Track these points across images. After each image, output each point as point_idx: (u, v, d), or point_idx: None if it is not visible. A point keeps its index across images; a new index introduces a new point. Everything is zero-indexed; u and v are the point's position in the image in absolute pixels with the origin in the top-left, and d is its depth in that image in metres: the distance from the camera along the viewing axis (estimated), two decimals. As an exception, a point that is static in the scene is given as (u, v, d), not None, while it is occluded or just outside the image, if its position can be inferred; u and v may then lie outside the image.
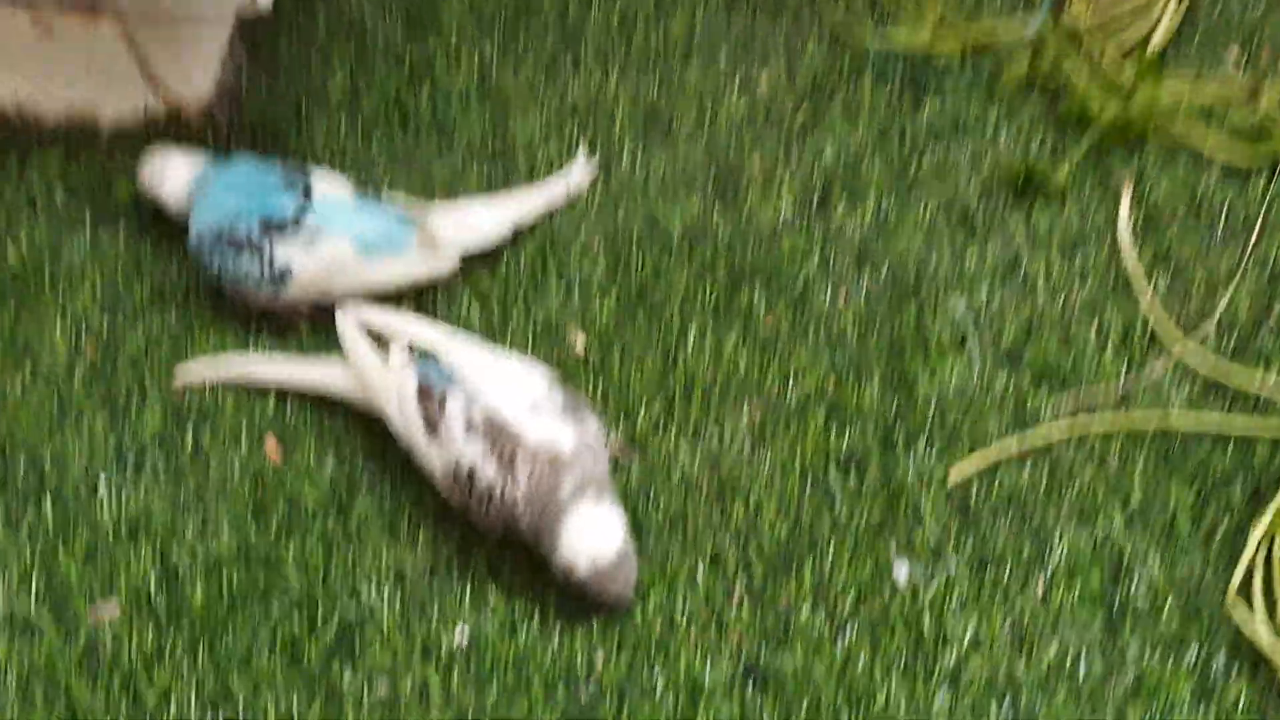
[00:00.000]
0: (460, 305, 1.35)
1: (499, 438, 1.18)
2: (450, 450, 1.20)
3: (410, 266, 1.35)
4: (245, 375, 1.33)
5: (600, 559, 1.16)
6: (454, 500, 1.23)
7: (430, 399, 1.22)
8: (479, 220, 1.37)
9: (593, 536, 1.16)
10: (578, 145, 1.42)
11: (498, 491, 1.18)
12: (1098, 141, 1.41)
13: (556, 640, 1.22)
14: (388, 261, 1.34)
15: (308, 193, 1.33)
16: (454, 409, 1.20)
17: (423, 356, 1.27)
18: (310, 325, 1.36)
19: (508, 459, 1.18)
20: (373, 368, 1.26)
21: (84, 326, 1.36)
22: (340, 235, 1.32)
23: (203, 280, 1.36)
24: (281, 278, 1.33)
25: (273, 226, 1.31)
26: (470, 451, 1.19)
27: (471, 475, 1.19)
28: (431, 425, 1.21)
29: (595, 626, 1.22)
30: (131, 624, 1.24)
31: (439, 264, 1.36)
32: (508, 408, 1.19)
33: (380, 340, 1.29)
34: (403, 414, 1.23)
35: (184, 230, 1.37)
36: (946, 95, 1.44)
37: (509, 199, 1.40)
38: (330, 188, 1.34)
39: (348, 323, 1.28)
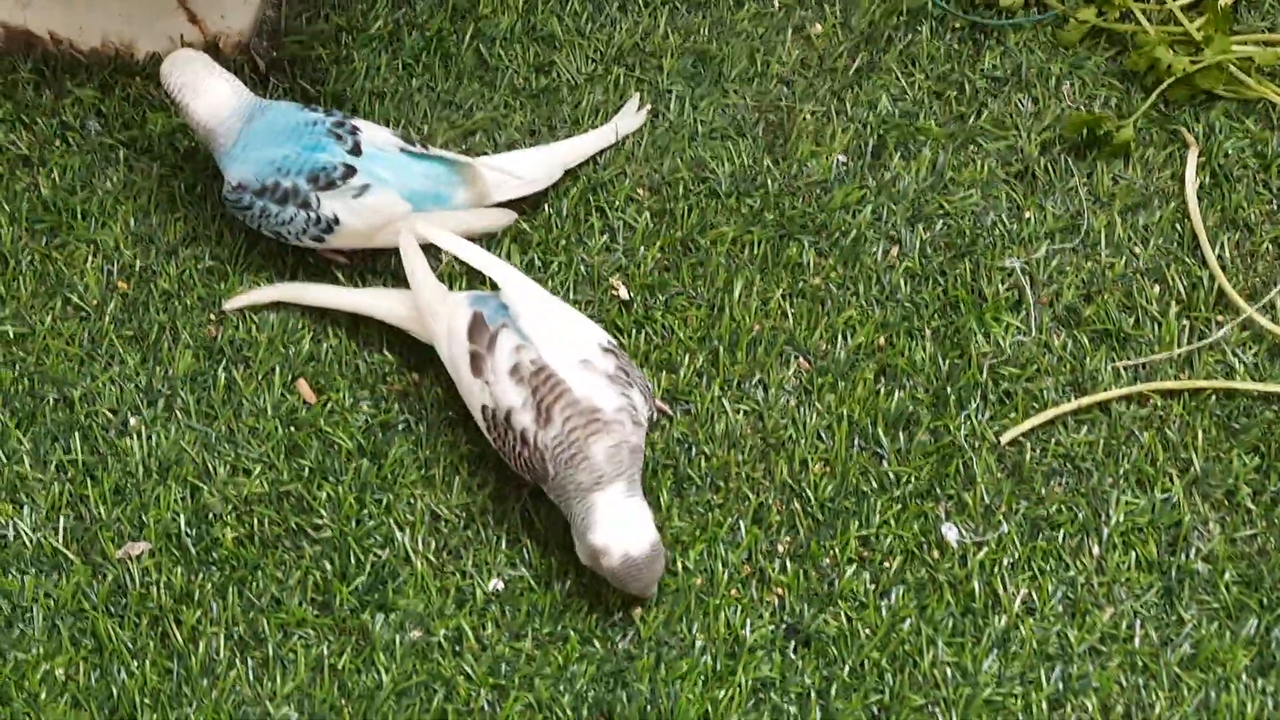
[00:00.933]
0: (501, 249, 1.32)
1: (541, 386, 1.15)
2: (491, 390, 1.17)
3: (457, 218, 1.32)
4: (299, 297, 1.30)
5: (633, 551, 1.12)
6: (488, 435, 1.20)
7: (482, 334, 1.19)
8: (527, 169, 1.34)
9: (627, 528, 1.13)
10: (625, 89, 1.39)
11: (531, 438, 1.15)
12: (1164, 97, 1.36)
13: (593, 592, 1.20)
14: (434, 214, 1.32)
15: (356, 146, 1.29)
16: (503, 349, 1.17)
17: (482, 290, 1.25)
18: (346, 269, 1.34)
19: (545, 409, 1.15)
20: (430, 291, 1.23)
21: (116, 262, 1.34)
22: (388, 189, 1.29)
23: (240, 224, 1.34)
24: (328, 228, 1.30)
25: (320, 180, 1.28)
26: (511, 395, 1.16)
27: (508, 418, 1.16)
28: (478, 362, 1.18)
29: (633, 580, 1.20)
30: (160, 563, 1.22)
31: (488, 217, 1.33)
32: (556, 359, 1.16)
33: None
34: (451, 344, 1.21)
35: (197, 150, 1.34)
36: (1008, 45, 1.39)
37: (557, 145, 1.37)
38: (377, 139, 1.31)
39: (411, 244, 1.25)
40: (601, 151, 1.37)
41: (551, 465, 1.15)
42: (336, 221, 1.29)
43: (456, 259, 1.28)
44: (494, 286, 1.25)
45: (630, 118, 1.39)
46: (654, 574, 1.14)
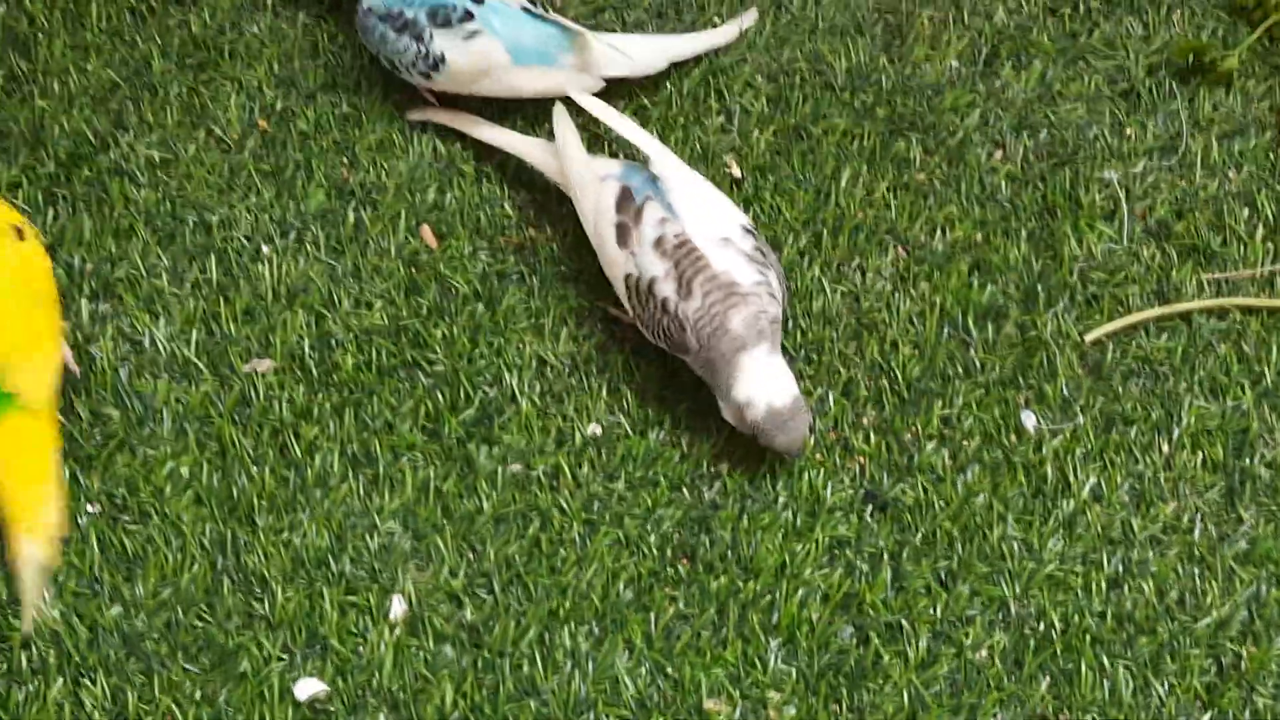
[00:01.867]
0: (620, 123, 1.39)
1: (683, 259, 1.21)
2: (635, 260, 1.23)
3: (557, 80, 1.38)
4: (468, 127, 1.37)
5: (776, 403, 1.18)
6: (628, 304, 1.27)
7: (629, 206, 1.25)
8: (637, 50, 1.41)
9: (770, 381, 1.19)
10: (752, -19, 1.45)
11: (672, 307, 1.21)
12: (1269, 33, 1.41)
13: (685, 444, 1.27)
14: (537, 71, 1.38)
15: None
16: (649, 221, 1.23)
17: (630, 163, 1.31)
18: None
19: (686, 281, 1.21)
20: (579, 162, 1.30)
21: (258, 101, 1.42)
22: (497, 38, 1.36)
23: (368, 54, 1.40)
24: (436, 65, 1.37)
25: (439, 16, 1.36)
26: (654, 266, 1.22)
27: (651, 287, 1.22)
28: (624, 232, 1.24)
29: (722, 439, 1.27)
30: (284, 381, 1.30)
31: (587, 82, 1.39)
32: (699, 234, 1.22)
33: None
34: (598, 215, 1.27)
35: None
36: (1124, -29, 1.45)
37: (673, 38, 1.43)
38: None
39: (563, 114, 1.31)
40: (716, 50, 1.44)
41: (694, 336, 1.21)
42: (443, 60, 1.37)
43: (609, 129, 1.34)
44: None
45: (747, 20, 1.45)
46: (799, 428, 1.19)
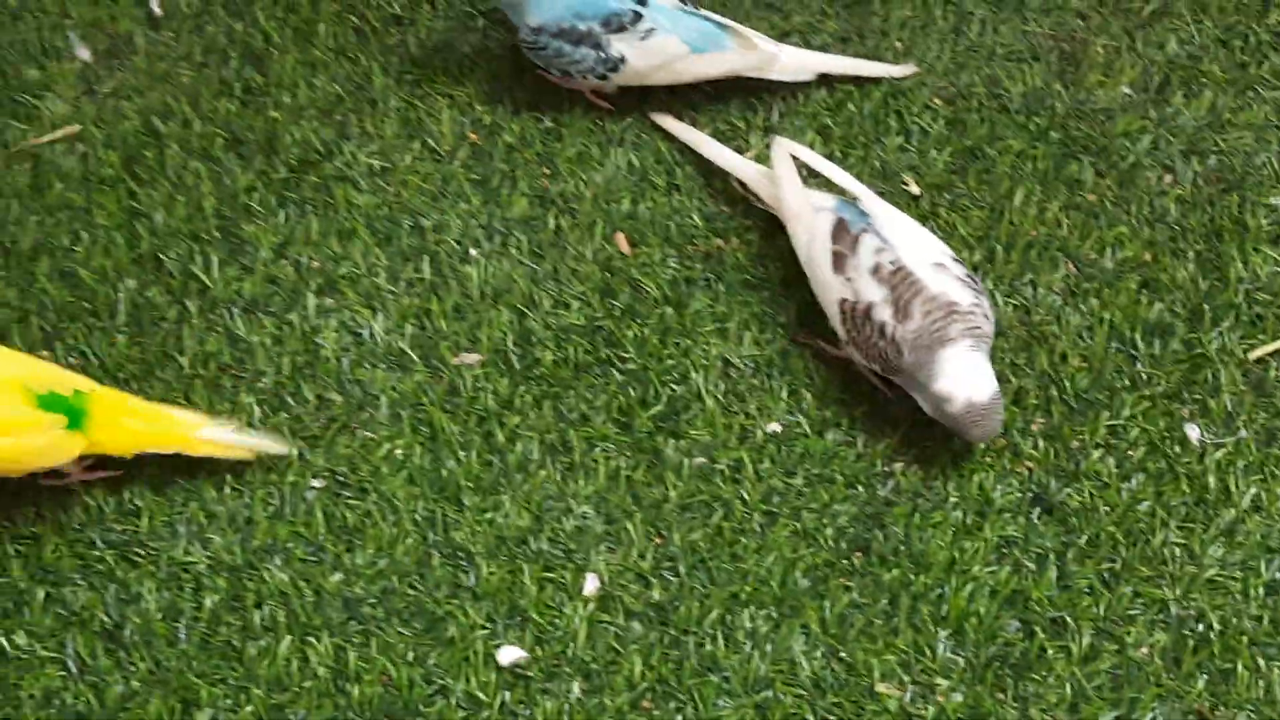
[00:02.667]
0: (805, 139, 1.47)
1: (900, 285, 1.29)
2: (852, 286, 1.31)
3: (730, 61, 1.49)
4: (695, 141, 1.48)
5: (976, 397, 1.26)
6: (841, 332, 1.34)
7: (844, 236, 1.33)
8: (790, 55, 1.50)
9: (972, 375, 1.26)
10: (931, 8, 1.52)
11: (890, 331, 1.29)
12: None
13: (861, 445, 1.35)
14: (711, 57, 1.49)
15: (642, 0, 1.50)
16: (865, 250, 1.32)
17: (843, 199, 1.39)
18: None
19: (904, 305, 1.29)
20: (798, 196, 1.39)
21: (469, 115, 1.53)
22: (671, 33, 1.48)
23: (537, 64, 1.50)
24: (614, 67, 1.48)
25: (613, 23, 1.47)
26: (871, 291, 1.30)
27: (869, 312, 1.30)
28: (840, 260, 1.33)
29: (896, 439, 1.34)
30: (489, 374, 1.41)
31: (756, 56, 1.49)
32: (914, 261, 1.30)
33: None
34: (812, 245, 1.35)
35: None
36: (1297, 4, 1.50)
37: (826, 57, 1.51)
38: None
39: (782, 150, 1.40)
40: (905, 60, 1.51)
41: (910, 353, 1.28)
42: (623, 60, 1.48)
43: (817, 172, 1.41)
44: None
45: (900, 71, 1.52)
46: (994, 423, 1.27)
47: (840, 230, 1.34)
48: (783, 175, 1.39)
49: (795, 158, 1.40)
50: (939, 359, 1.27)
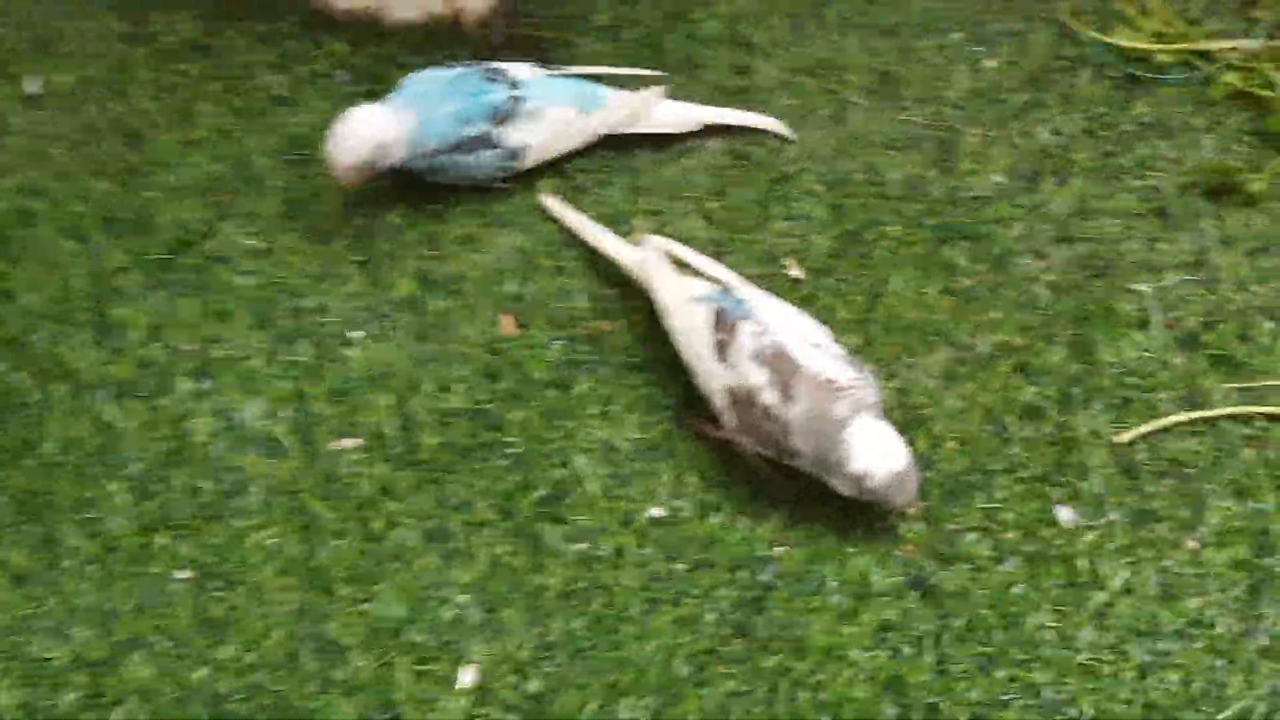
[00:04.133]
0: (689, 224, 1.49)
1: (781, 367, 1.30)
2: (735, 373, 1.32)
3: (617, 113, 1.50)
4: (578, 225, 1.47)
5: (895, 466, 1.26)
6: (729, 419, 1.34)
7: (725, 324, 1.34)
8: (671, 106, 1.52)
9: (882, 446, 1.27)
10: (812, 97, 1.56)
11: (775, 413, 1.30)
12: (1297, 158, 1.51)
13: (743, 529, 1.35)
14: (599, 113, 1.49)
15: (512, 80, 1.48)
16: (745, 335, 1.32)
17: (718, 288, 1.38)
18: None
19: (787, 386, 1.29)
20: (673, 291, 1.38)
21: (352, 194, 1.52)
22: (559, 103, 1.48)
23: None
24: (515, 156, 1.47)
25: (501, 116, 1.46)
26: (754, 376, 1.31)
27: (753, 397, 1.31)
28: (722, 349, 1.33)
29: (778, 522, 1.34)
30: (368, 459, 1.40)
31: (640, 101, 1.49)
32: (792, 343, 1.31)
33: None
34: (692, 336, 1.35)
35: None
36: (1158, 96, 1.54)
37: (709, 109, 1.53)
38: (522, 71, 1.49)
39: (653, 249, 1.40)
40: (787, 147, 1.53)
41: (800, 441, 1.29)
42: (524, 148, 1.48)
43: (689, 266, 1.41)
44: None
45: (774, 126, 1.55)
46: (915, 484, 1.28)
47: (719, 318, 1.35)
48: (657, 274, 1.40)
49: (669, 253, 1.40)
50: (843, 441, 1.28)
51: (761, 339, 1.33)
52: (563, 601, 1.33)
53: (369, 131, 1.41)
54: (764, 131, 1.52)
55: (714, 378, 1.35)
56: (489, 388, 1.42)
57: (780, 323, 1.34)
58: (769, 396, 1.31)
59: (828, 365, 1.31)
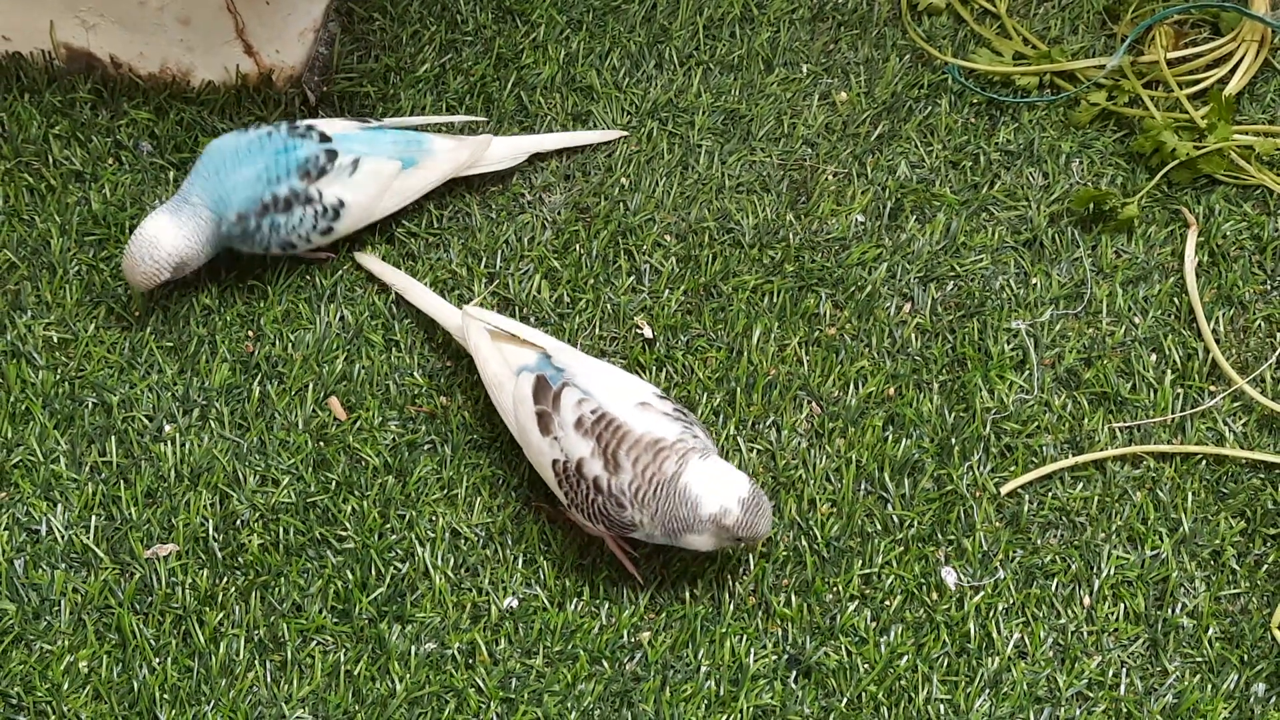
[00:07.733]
0: (532, 285, 1.38)
1: (605, 434, 1.20)
2: (561, 444, 1.22)
3: (445, 164, 1.38)
4: (398, 283, 1.36)
5: (740, 493, 1.17)
6: (561, 495, 1.24)
7: (546, 394, 1.23)
8: (500, 144, 1.41)
9: (721, 480, 1.18)
10: (656, 141, 1.45)
11: (605, 484, 1.20)
12: (1168, 179, 1.44)
13: (604, 615, 1.24)
14: (425, 165, 1.38)
15: (323, 135, 1.35)
16: (567, 404, 1.22)
17: (541, 356, 1.28)
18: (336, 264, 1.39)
19: (611, 454, 1.20)
20: (494, 362, 1.28)
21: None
22: (378, 156, 1.36)
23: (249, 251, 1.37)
24: (335, 214, 1.35)
25: (312, 171, 1.34)
26: (579, 447, 1.21)
27: (580, 468, 1.21)
28: (545, 420, 1.22)
29: (642, 605, 1.24)
30: (187, 565, 1.26)
31: (469, 150, 1.38)
32: (615, 406, 1.21)
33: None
34: (519, 410, 1.25)
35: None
36: (1022, 122, 1.46)
37: (537, 137, 1.43)
38: (336, 126, 1.38)
39: (474, 322, 1.30)
40: (632, 197, 1.44)
41: (636, 510, 1.19)
42: (342, 204, 1.35)
43: (506, 332, 1.30)
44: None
45: (609, 136, 1.45)
46: (769, 508, 1.18)
47: (541, 389, 1.25)
48: (478, 347, 1.29)
49: (486, 323, 1.30)
50: (683, 492, 1.18)
51: (582, 406, 1.23)
52: (411, 710, 1.21)
53: (164, 254, 1.30)
54: (608, 164, 1.42)
55: (542, 453, 1.25)
56: (318, 478, 1.30)
57: (603, 386, 1.24)
58: (594, 467, 1.21)
59: (654, 424, 1.22)
